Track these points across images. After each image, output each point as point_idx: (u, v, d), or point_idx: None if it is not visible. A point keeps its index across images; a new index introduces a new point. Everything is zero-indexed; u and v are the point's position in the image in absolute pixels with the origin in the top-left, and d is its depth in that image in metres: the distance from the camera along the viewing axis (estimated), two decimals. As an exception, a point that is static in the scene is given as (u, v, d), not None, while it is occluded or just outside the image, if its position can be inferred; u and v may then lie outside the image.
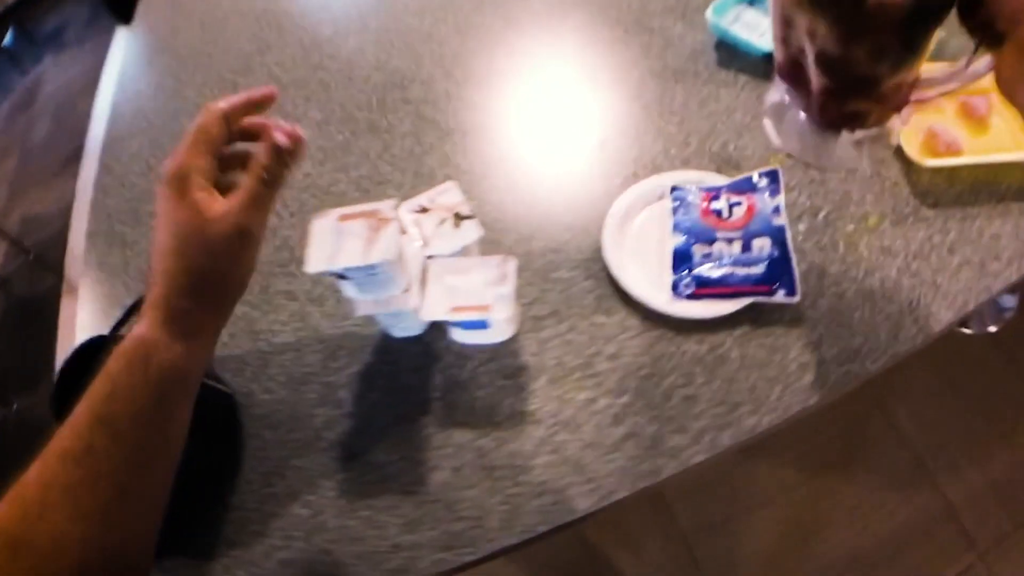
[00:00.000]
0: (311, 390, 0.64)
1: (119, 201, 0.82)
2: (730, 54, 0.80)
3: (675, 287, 0.63)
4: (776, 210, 0.64)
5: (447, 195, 0.66)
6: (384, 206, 0.55)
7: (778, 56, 0.47)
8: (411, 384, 0.63)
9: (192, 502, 0.59)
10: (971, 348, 1.40)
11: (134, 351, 0.39)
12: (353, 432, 0.61)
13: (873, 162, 0.68)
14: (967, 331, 1.39)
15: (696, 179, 0.69)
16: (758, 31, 0.78)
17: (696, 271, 0.63)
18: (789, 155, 0.69)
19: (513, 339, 0.63)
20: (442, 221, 0.63)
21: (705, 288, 0.62)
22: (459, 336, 0.63)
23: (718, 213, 0.65)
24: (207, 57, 0.95)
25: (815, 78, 0.43)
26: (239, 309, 0.69)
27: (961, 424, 1.31)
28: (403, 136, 0.81)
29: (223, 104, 0.43)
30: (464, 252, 0.62)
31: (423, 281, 0.59)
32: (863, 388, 0.57)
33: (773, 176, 0.66)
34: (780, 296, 0.60)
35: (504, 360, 0.62)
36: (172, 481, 0.42)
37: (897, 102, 0.44)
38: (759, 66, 0.78)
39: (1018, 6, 0.31)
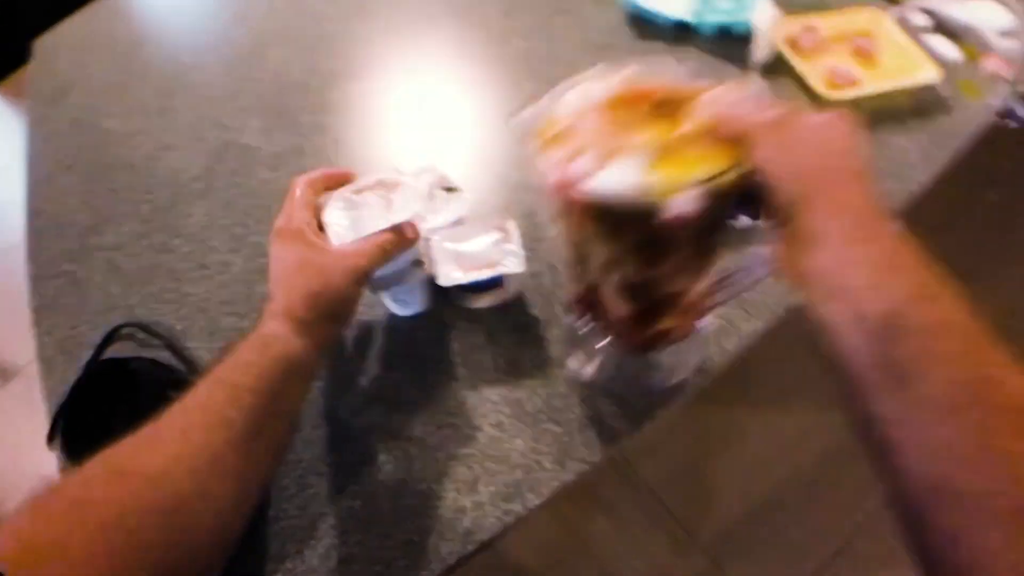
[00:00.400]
0: (327, 384, 0.63)
1: (61, 240, 0.75)
2: (642, 26, 0.88)
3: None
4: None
5: (425, 174, 0.67)
6: (387, 173, 0.56)
7: (574, 289, 0.47)
8: (431, 356, 0.63)
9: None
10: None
11: (256, 339, 0.46)
12: (384, 413, 0.61)
13: (781, 97, 0.79)
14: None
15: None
16: (665, 0, 0.87)
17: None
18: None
19: (517, 297, 0.66)
20: (431, 197, 0.65)
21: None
22: (468, 301, 0.64)
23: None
24: (123, 87, 0.89)
25: (618, 307, 0.43)
26: (228, 321, 0.67)
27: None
28: (353, 132, 0.82)
29: (307, 178, 0.55)
30: (457, 223, 0.64)
31: (429, 253, 0.61)
32: (781, 328, 0.65)
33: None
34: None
35: (516, 317, 0.65)
36: (275, 466, 0.50)
37: (700, 309, 0.45)
38: (671, 33, 0.87)
39: (784, 205, 0.34)
